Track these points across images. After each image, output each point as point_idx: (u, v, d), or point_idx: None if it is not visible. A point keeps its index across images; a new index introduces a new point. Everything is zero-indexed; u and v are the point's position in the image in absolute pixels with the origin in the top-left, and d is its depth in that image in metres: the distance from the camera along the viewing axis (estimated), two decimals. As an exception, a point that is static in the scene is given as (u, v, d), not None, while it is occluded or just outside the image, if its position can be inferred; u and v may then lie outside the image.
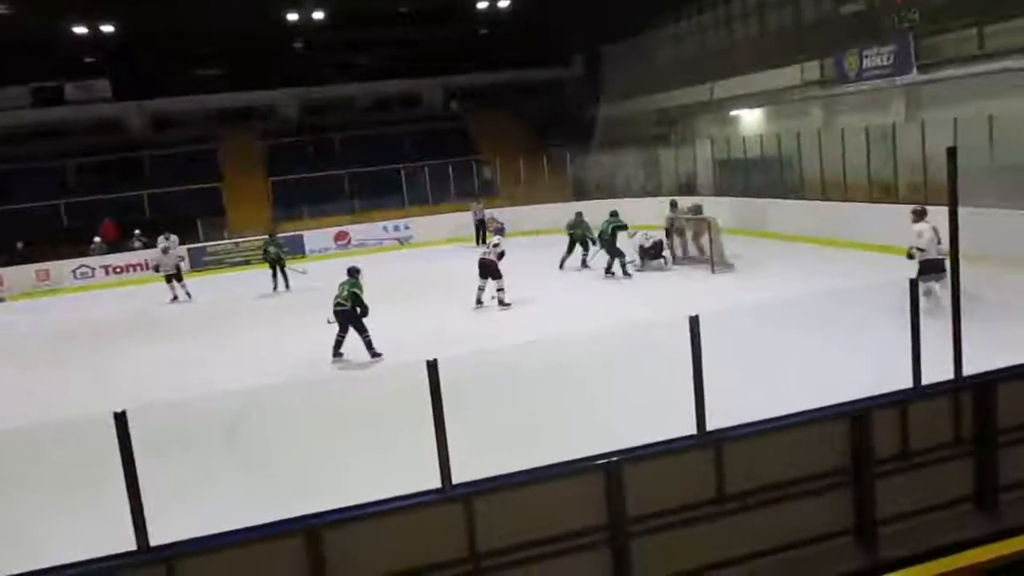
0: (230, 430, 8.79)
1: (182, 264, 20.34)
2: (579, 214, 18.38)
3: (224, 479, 7.58)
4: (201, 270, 24.26)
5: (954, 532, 5.57)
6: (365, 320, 11.55)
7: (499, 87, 35.02)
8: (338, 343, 11.61)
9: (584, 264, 17.72)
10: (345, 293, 11.57)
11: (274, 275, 18.84)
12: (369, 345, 11.57)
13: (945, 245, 11.24)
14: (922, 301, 8.42)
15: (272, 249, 19.06)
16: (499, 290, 14.27)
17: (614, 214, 16.89)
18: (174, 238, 24.22)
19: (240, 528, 4.66)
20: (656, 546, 5.16)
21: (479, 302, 14.32)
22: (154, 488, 4.54)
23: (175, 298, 18.77)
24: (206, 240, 25.61)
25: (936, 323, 5.74)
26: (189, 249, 24.52)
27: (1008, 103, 14.34)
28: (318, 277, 16.12)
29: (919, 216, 10.99)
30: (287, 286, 18.79)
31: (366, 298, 11.58)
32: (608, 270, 16.48)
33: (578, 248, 17.97)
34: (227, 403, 9.12)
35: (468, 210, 25.68)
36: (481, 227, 24.78)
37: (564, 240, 18.25)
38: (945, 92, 16.50)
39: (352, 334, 11.57)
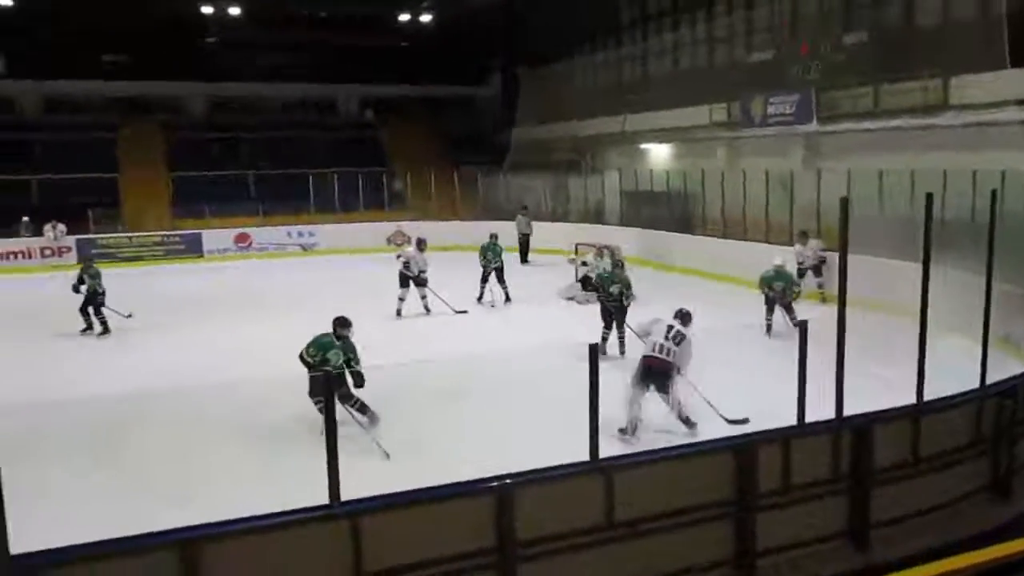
0: (95, 437, 8.31)
1: None
2: (494, 237, 16.57)
3: (90, 489, 7.14)
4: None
5: (829, 566, 5.79)
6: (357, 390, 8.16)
7: (415, 100, 34.92)
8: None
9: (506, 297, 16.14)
10: (337, 360, 8.05)
11: (86, 314, 13.86)
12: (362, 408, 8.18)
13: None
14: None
15: (88, 281, 13.89)
16: (400, 299, 14.76)
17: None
18: (61, 227, 23.12)
19: (109, 539, 4.41)
20: (543, 571, 5.16)
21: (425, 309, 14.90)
22: (17, 494, 4.25)
23: None
24: (97, 232, 24.43)
25: (823, 363, 5.97)
26: (78, 240, 23.35)
27: (897, 159, 15.21)
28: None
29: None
30: (105, 329, 13.83)
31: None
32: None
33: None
34: (93, 409, 8.60)
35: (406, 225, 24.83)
36: (525, 243, 22.44)
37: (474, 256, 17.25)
38: (841, 144, 17.40)
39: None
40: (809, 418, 6.01)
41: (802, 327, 6.04)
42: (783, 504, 5.81)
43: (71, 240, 23.25)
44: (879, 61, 16.65)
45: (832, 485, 6.00)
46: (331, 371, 7.77)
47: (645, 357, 8.10)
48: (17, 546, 4.20)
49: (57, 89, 31.22)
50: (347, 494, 4.81)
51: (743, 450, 5.68)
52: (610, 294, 11.45)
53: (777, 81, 18.93)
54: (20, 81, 30.45)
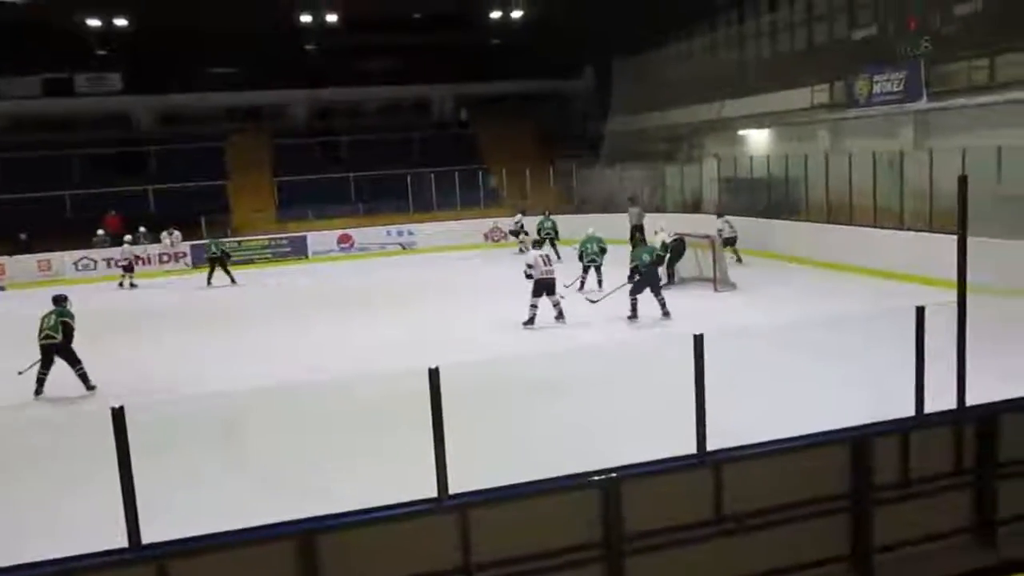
0: (224, 431, 8.72)
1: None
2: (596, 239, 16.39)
3: (217, 480, 7.49)
4: (203, 267, 24.20)
5: (952, 563, 5.53)
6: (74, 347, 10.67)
7: (508, 97, 35.06)
8: (40, 381, 10.64)
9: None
10: (52, 323, 10.61)
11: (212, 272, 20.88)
12: (84, 377, 10.67)
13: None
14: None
15: (214, 248, 21.17)
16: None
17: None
18: (177, 234, 24.32)
19: (233, 530, 4.62)
20: (651, 565, 5.12)
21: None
22: (146, 486, 4.49)
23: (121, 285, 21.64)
24: (209, 237, 25.53)
25: (936, 353, 5.70)
26: (192, 246, 24.51)
27: (1017, 134, 14.34)
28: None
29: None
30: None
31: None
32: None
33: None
34: (222, 403, 9.03)
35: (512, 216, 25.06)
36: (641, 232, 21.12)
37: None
38: (954, 121, 16.52)
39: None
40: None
41: (919, 315, 5.77)
42: (902, 498, 5.59)
43: (186, 246, 24.41)
44: (995, 30, 15.70)
45: (955, 479, 5.73)
46: (56, 339, 10.46)
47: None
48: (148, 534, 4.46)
49: (168, 103, 32.82)
50: (455, 487, 4.88)
51: (859, 442, 5.49)
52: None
53: (882, 58, 18.13)
54: (136, 96, 32.15)
